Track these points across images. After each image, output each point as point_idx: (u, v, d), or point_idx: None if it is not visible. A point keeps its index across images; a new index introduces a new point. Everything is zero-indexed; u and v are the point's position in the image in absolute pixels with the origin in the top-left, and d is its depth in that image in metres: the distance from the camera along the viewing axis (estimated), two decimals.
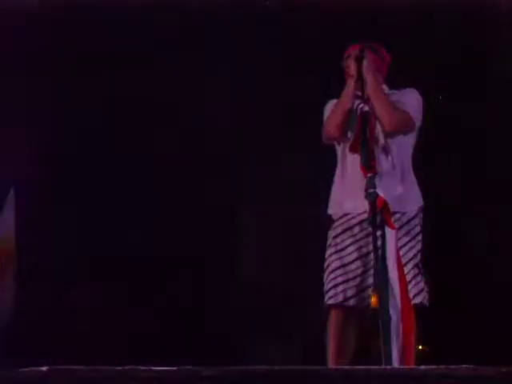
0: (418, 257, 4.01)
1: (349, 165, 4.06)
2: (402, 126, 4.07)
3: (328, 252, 4.08)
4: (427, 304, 3.97)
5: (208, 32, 5.84)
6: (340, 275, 3.99)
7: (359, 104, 4.07)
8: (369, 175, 3.87)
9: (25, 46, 5.82)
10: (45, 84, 5.90)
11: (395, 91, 4.22)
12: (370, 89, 4.06)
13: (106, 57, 5.84)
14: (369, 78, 4.06)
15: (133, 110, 6.10)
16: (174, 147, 6.26)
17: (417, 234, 4.03)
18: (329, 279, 4.02)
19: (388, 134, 4.06)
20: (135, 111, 6.11)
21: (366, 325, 4.02)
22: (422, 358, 3.93)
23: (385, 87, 4.22)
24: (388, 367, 3.58)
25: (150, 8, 5.55)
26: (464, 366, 2.90)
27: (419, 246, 4.03)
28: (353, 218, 4.03)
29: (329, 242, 4.10)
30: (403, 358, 3.74)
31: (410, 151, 4.15)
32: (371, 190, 3.83)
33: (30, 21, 5.60)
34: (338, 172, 4.14)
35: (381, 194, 3.84)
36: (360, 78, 4.07)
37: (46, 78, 5.94)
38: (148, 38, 5.82)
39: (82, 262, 6.01)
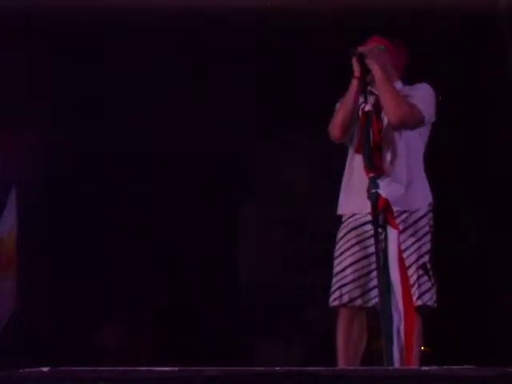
0: (426, 257, 3.93)
1: (356, 165, 4.02)
2: (409, 118, 3.97)
3: (335, 253, 4.05)
4: (433, 305, 3.91)
5: (208, 31, 5.85)
6: (346, 276, 3.97)
7: (361, 104, 4.04)
8: (371, 175, 3.85)
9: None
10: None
11: (408, 86, 4.17)
12: (377, 82, 3.99)
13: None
14: (375, 71, 3.98)
15: (136, 110, 6.12)
16: (173, 148, 6.28)
17: (425, 234, 3.97)
18: (335, 280, 4.00)
19: (395, 127, 3.99)
20: (139, 110, 6.13)
21: (369, 325, 4.02)
22: (423, 359, 3.92)
23: (399, 83, 4.15)
24: (389, 368, 3.58)
25: None
26: (465, 366, 2.91)
27: (427, 247, 3.96)
28: (358, 218, 3.99)
29: (336, 243, 4.07)
30: (405, 359, 3.74)
31: (420, 148, 4.08)
32: (373, 191, 3.81)
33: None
34: (346, 172, 4.10)
35: (383, 194, 3.82)
36: (363, 78, 4.03)
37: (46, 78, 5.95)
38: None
39: (81, 261, 6.01)
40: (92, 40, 5.83)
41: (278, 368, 2.84)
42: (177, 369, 2.78)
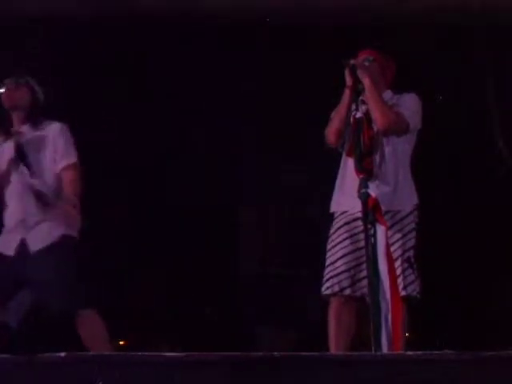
0: (411, 252, 4.21)
1: (348, 168, 4.31)
2: (394, 125, 4.27)
3: (327, 246, 4.33)
4: (417, 295, 4.17)
5: (209, 34, 5.96)
6: (337, 267, 4.24)
7: (353, 111, 4.30)
8: (361, 176, 4.12)
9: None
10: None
11: (397, 95, 4.44)
12: (366, 92, 4.29)
13: None
14: (365, 81, 4.27)
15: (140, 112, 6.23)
16: (173, 148, 6.40)
17: (410, 231, 4.24)
18: (327, 271, 4.27)
19: (382, 133, 4.28)
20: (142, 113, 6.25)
21: (358, 313, 4.26)
22: (407, 345, 4.15)
23: (388, 92, 4.45)
24: (377, 352, 3.81)
25: None
26: (446, 351, 3.14)
27: (412, 242, 4.23)
28: (350, 215, 4.27)
29: (329, 237, 4.34)
30: (391, 344, 3.99)
31: (407, 152, 4.36)
32: (363, 191, 4.08)
33: None
34: (339, 174, 4.39)
35: (373, 193, 4.10)
36: (355, 88, 4.30)
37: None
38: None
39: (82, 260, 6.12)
40: None
41: (275, 353, 3.08)
42: (185, 354, 3.01)
